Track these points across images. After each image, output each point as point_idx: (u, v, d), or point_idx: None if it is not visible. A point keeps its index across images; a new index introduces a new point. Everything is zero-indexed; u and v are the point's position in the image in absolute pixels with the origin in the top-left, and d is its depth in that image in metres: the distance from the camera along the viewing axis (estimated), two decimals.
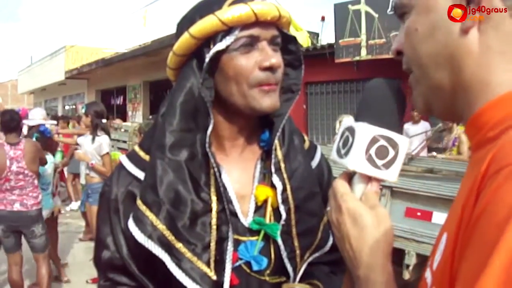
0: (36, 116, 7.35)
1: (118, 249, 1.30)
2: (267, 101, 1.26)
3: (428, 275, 0.81)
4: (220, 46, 1.24)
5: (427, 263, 0.85)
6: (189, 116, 1.28)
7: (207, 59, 1.24)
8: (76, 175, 10.20)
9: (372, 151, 0.93)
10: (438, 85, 0.83)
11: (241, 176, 1.36)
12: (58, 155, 6.97)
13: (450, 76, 0.80)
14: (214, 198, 1.26)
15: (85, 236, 8.41)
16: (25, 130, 7.81)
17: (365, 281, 0.88)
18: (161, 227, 1.22)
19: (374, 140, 0.93)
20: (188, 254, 1.21)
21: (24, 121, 6.78)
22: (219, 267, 1.23)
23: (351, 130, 0.96)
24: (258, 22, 1.24)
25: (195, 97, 1.27)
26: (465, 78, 0.79)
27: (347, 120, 0.93)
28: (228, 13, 1.23)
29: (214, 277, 1.21)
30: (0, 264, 6.46)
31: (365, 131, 0.93)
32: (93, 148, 6.32)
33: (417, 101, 0.89)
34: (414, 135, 8.43)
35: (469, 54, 0.78)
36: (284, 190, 1.33)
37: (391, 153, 0.94)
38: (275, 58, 1.25)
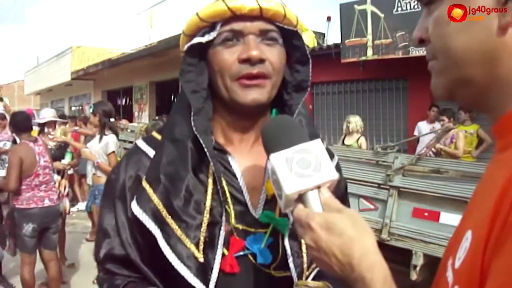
0: (47, 115, 7.39)
1: (120, 236, 1.31)
2: (248, 95, 1.26)
3: (449, 273, 0.79)
4: (196, 40, 1.29)
5: (445, 262, 0.84)
6: (196, 104, 1.31)
7: (183, 53, 1.30)
8: (83, 176, 10.24)
9: (295, 168, 0.98)
10: (468, 78, 0.81)
11: (252, 168, 1.35)
12: (68, 156, 6.95)
13: (483, 71, 0.79)
14: (210, 181, 1.28)
15: (91, 236, 8.42)
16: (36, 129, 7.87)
17: (362, 282, 0.86)
18: (156, 201, 1.24)
19: (289, 160, 0.99)
20: (178, 232, 1.22)
21: (34, 121, 6.85)
22: (211, 251, 1.23)
23: (271, 170, 1.02)
24: (238, 16, 1.26)
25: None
26: (501, 74, 0.78)
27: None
28: (206, 10, 1.27)
29: (201, 259, 1.21)
30: (8, 263, 6.46)
31: (277, 158, 1.00)
32: (99, 147, 6.32)
33: (438, 89, 0.88)
34: (425, 133, 8.42)
35: (507, 52, 0.76)
36: None
37: (312, 158, 0.99)
38: (256, 51, 1.25)
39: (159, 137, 1.39)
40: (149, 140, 1.42)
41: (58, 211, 5.61)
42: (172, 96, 19.47)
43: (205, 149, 1.24)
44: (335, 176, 0.99)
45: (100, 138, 6.39)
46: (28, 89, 35.67)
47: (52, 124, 7.28)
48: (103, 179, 6.30)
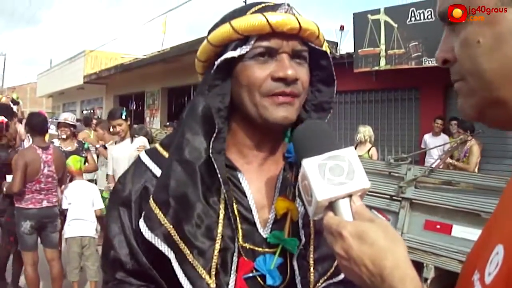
0: (69, 118, 7.37)
1: (127, 246, 1.29)
2: (279, 113, 1.22)
3: None
4: (231, 54, 1.23)
5: (469, 277, 0.81)
6: (208, 121, 1.26)
7: (215, 66, 1.24)
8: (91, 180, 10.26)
9: (327, 175, 0.96)
10: (501, 99, 0.78)
11: (261, 186, 1.32)
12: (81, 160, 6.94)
13: None
14: (222, 206, 1.24)
15: (100, 240, 8.41)
16: (53, 129, 7.86)
17: None
18: (168, 226, 1.21)
19: (321, 166, 0.97)
20: (190, 257, 1.19)
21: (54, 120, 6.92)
22: (223, 277, 1.21)
23: (302, 175, 1.00)
24: (276, 33, 1.21)
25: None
26: None
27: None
28: (242, 22, 1.21)
29: (213, 286, 1.19)
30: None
31: (310, 164, 0.98)
32: (133, 149, 6.24)
33: (467, 109, 0.85)
34: (434, 147, 8.41)
35: None
36: (306, 213, 1.29)
37: (345, 165, 0.97)
38: (292, 70, 1.21)
39: (164, 153, 1.35)
40: (153, 155, 1.37)
41: (56, 212, 5.69)
42: (184, 102, 19.49)
43: (219, 175, 1.21)
44: (367, 185, 0.97)
45: (132, 141, 6.39)
46: (40, 91, 36.01)
47: (67, 128, 7.24)
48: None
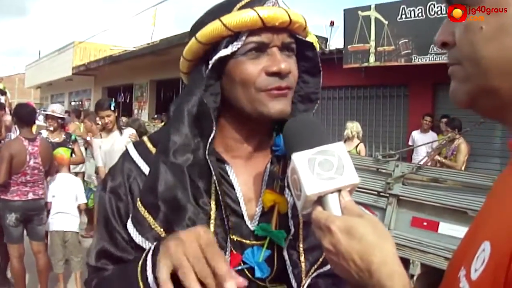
0: (57, 110, 7.34)
1: (114, 237, 1.28)
2: (275, 106, 1.22)
3: (463, 285, 0.77)
4: (224, 52, 1.21)
5: (455, 273, 0.82)
6: (195, 121, 1.26)
7: (209, 65, 1.23)
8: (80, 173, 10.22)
9: (317, 169, 0.96)
10: (494, 88, 0.79)
11: (249, 179, 1.32)
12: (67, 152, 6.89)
13: (511, 84, 0.77)
14: (213, 206, 1.24)
15: (87, 233, 8.39)
16: (41, 120, 7.77)
17: None
18: (159, 229, 1.20)
19: (311, 160, 0.97)
20: None
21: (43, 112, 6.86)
22: None
23: (291, 169, 1.00)
24: (266, 28, 1.21)
25: (202, 102, 1.24)
26: None
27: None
28: (233, 18, 1.20)
29: None
30: None
31: (300, 158, 0.98)
32: (125, 141, 6.20)
33: (459, 95, 0.85)
34: (422, 144, 8.45)
35: None
36: (295, 204, 1.29)
37: (334, 160, 0.98)
38: (284, 64, 1.21)
39: (152, 148, 1.33)
40: (141, 150, 1.35)
41: (42, 205, 5.62)
42: (173, 95, 19.44)
43: (214, 176, 1.21)
44: (357, 180, 0.98)
45: (121, 133, 6.37)
46: (28, 82, 35.78)
47: (54, 120, 7.19)
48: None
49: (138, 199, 1.25)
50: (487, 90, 0.80)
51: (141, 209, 1.23)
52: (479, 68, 0.79)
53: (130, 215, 1.25)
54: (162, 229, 1.20)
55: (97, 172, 6.84)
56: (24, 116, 5.61)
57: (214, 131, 1.22)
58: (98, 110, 6.42)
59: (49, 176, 5.87)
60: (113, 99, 6.72)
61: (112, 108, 6.28)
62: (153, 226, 1.21)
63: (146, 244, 1.20)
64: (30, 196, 5.48)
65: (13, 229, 5.39)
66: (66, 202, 5.83)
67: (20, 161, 5.34)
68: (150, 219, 1.21)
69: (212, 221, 1.23)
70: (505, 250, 0.69)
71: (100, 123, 6.80)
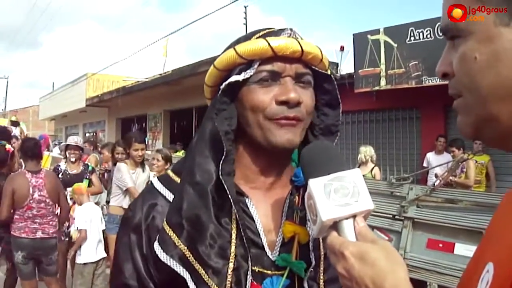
0: (78, 142, 7.45)
1: (136, 271, 1.30)
2: (283, 135, 1.24)
3: None
4: (235, 78, 1.25)
5: None
6: (216, 144, 1.28)
7: (220, 90, 1.26)
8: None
9: (333, 195, 0.98)
10: (494, 116, 0.80)
11: (269, 210, 1.34)
12: (85, 182, 6.91)
13: (510, 109, 0.78)
14: (234, 226, 1.26)
15: (108, 260, 8.35)
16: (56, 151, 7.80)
17: None
18: (183, 247, 1.22)
19: (327, 186, 0.99)
20: (205, 277, 1.20)
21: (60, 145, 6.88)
22: None
23: (308, 195, 1.03)
24: (279, 57, 1.24)
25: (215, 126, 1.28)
26: None
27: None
28: (246, 47, 1.24)
29: None
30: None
31: (316, 184, 1.00)
32: (146, 176, 6.42)
33: (465, 127, 0.87)
34: (436, 165, 8.40)
35: None
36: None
37: (350, 187, 0.99)
38: (295, 93, 1.23)
39: (176, 178, 1.36)
40: (165, 181, 1.39)
41: (52, 245, 5.49)
42: (186, 125, 19.52)
43: (229, 196, 1.23)
44: (372, 206, 1.00)
45: (143, 170, 6.54)
46: (42, 114, 36.00)
47: (77, 151, 7.27)
48: (117, 210, 6.32)
49: (164, 220, 1.27)
50: (488, 119, 0.81)
51: (167, 228, 1.25)
52: (478, 97, 0.80)
53: (157, 236, 1.27)
54: (185, 247, 1.22)
55: (107, 201, 6.86)
56: (28, 149, 5.57)
57: (225, 153, 1.24)
58: (134, 142, 6.46)
59: (62, 210, 5.75)
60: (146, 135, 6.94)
61: (146, 141, 6.43)
62: (177, 244, 1.23)
63: (171, 262, 1.22)
64: (39, 234, 5.33)
65: (23, 267, 5.28)
66: (94, 232, 5.77)
67: (22, 195, 5.24)
68: (174, 237, 1.23)
69: (233, 240, 1.25)
70: (507, 273, 0.70)
71: (118, 155, 6.91)
